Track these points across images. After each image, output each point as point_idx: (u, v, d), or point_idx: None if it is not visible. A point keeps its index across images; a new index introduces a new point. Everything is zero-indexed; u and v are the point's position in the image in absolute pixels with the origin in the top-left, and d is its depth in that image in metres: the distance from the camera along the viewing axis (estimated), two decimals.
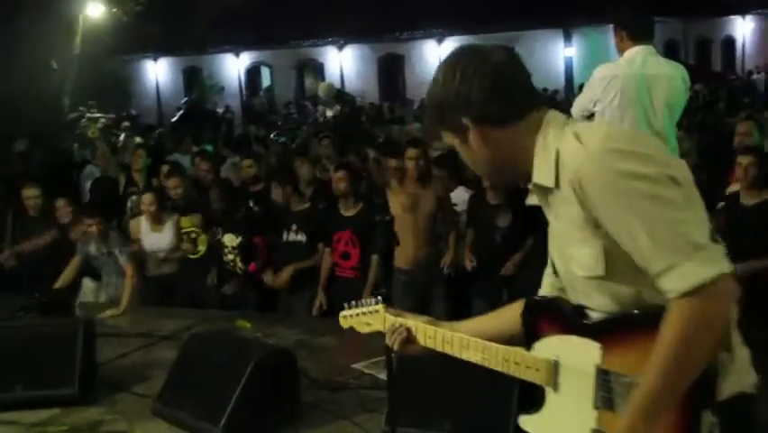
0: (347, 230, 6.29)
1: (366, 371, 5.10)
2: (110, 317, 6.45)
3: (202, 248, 7.09)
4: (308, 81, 33.79)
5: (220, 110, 28.52)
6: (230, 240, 6.88)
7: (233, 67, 34.28)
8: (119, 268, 6.72)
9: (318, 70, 33.47)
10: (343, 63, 32.42)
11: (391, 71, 31.61)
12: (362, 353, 5.45)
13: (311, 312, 6.60)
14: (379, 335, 5.45)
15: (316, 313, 6.51)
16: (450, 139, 2.04)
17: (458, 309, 6.22)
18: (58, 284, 6.68)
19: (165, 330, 6.25)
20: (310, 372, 4.93)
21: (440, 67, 2.06)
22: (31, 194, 7.52)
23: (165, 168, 7.99)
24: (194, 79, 34.05)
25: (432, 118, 2.06)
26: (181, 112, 13.63)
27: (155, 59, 34.67)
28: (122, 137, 13.82)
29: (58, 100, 18.70)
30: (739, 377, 1.84)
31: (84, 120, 14.43)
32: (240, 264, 6.88)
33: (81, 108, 14.88)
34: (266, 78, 34.96)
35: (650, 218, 1.71)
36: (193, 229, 7.07)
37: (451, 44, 30.27)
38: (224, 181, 7.64)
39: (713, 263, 1.70)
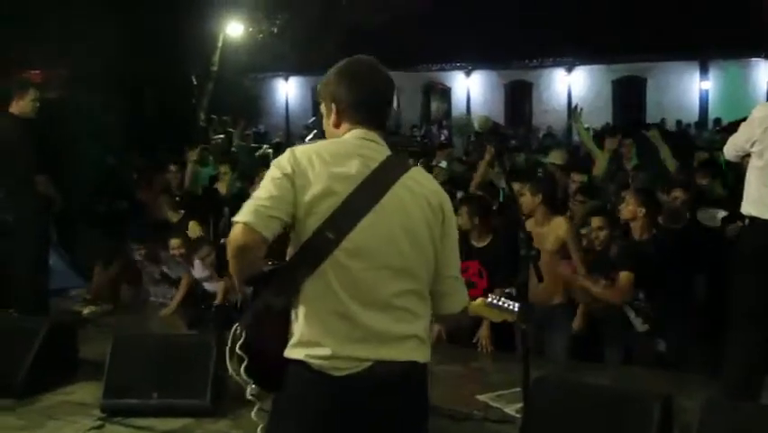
0: (476, 260, 6.19)
1: (492, 403, 5.01)
2: None
3: None
4: (434, 105, 33.92)
5: None
6: None
7: None
8: None
9: (445, 94, 33.59)
10: (471, 88, 32.40)
11: (518, 98, 31.32)
12: (488, 384, 5.38)
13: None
14: (506, 369, 5.37)
15: (433, 341, 6.34)
16: None
17: (585, 350, 6.02)
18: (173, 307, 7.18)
19: None
20: (433, 399, 4.86)
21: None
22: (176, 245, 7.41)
23: None
24: None
25: None
26: (315, 132, 13.91)
27: (286, 78, 35.61)
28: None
29: (194, 115, 19.45)
30: (296, 345, 2.35)
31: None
32: None
33: (215, 117, 15.34)
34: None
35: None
36: None
37: (581, 73, 29.79)
38: None
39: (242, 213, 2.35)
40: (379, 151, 2.52)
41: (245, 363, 2.38)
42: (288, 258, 2.42)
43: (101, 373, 5.11)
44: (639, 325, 5.69)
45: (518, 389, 4.99)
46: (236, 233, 2.33)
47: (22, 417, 4.95)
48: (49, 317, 6.15)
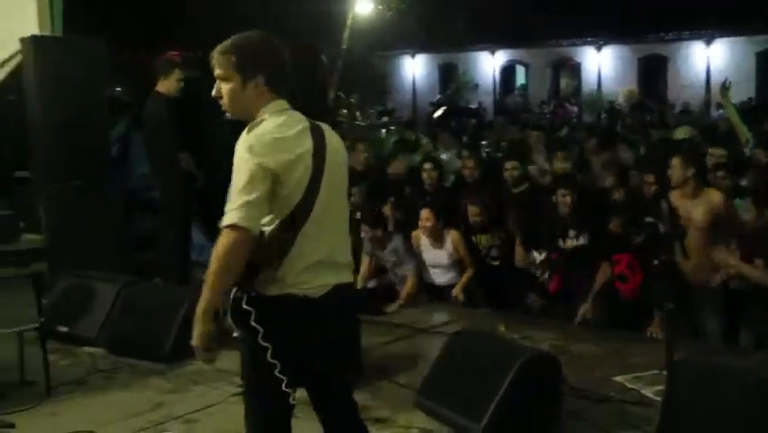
0: (629, 254, 6.09)
1: (629, 385, 4.92)
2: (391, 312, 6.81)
3: None
4: (564, 81, 33.23)
5: (473, 106, 28.80)
6: (538, 256, 6.80)
7: (488, 64, 34.46)
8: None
9: (575, 70, 32.84)
10: (602, 64, 31.54)
11: (652, 73, 30.24)
12: (624, 366, 5.28)
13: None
14: (641, 351, 5.24)
15: (579, 320, 6.32)
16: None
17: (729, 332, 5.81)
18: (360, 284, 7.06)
19: (424, 324, 6.39)
20: (569, 380, 4.79)
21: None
22: None
23: (427, 165, 8.07)
24: (449, 76, 34.61)
25: None
26: (445, 108, 13.91)
27: (413, 56, 35.64)
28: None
29: (323, 93, 19.75)
30: (281, 285, 2.81)
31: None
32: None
33: (345, 96, 15.47)
34: (520, 76, 34.84)
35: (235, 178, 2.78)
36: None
37: (720, 46, 28.53)
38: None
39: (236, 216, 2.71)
40: (298, 116, 2.97)
41: (255, 315, 2.80)
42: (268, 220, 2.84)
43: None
44: None
45: (656, 371, 4.91)
46: (233, 237, 2.71)
47: (171, 381, 5.22)
48: (192, 288, 6.41)
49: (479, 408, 4.14)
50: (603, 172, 7.72)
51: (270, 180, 2.76)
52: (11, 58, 7.33)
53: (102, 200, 7.28)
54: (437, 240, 7.07)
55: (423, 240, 7.13)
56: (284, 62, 2.97)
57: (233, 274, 2.75)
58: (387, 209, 7.50)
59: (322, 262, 2.89)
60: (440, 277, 7.18)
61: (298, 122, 2.93)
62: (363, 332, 5.28)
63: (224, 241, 2.72)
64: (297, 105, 3.02)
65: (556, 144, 9.36)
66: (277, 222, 2.82)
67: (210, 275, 2.74)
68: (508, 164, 7.63)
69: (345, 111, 18.49)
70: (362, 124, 18.69)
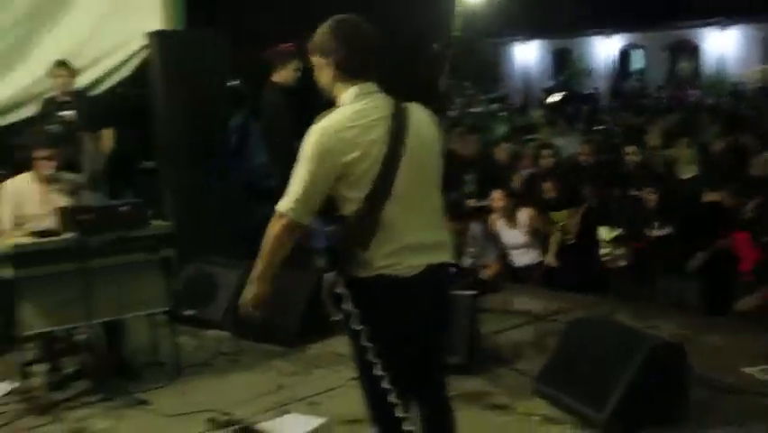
0: (746, 232, 5.89)
1: (760, 377, 4.73)
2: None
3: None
4: (683, 65, 32.14)
5: (588, 92, 28.25)
6: (606, 233, 6.81)
7: (603, 49, 33.68)
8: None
9: (693, 53, 31.71)
10: (724, 45, 30.30)
11: None
12: (754, 356, 5.08)
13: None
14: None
15: (691, 268, 6.27)
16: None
17: None
18: None
19: (539, 311, 6.32)
20: (696, 369, 4.63)
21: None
22: None
23: (546, 151, 8.03)
24: (563, 62, 34.02)
25: None
26: (565, 94, 13.72)
27: (525, 42, 35.18)
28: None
29: (434, 82, 19.68)
30: (371, 268, 2.84)
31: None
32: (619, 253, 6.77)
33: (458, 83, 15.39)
34: (637, 60, 33.89)
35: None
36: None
37: None
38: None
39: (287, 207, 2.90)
40: (382, 100, 2.95)
41: (350, 298, 2.85)
42: (343, 209, 2.89)
43: None
44: None
45: None
46: (281, 224, 2.90)
47: (293, 364, 5.34)
48: (312, 273, 6.48)
49: (601, 396, 4.06)
50: (721, 158, 7.59)
51: (331, 175, 2.83)
52: (135, 54, 7.60)
53: (222, 189, 7.47)
54: (510, 219, 7.13)
55: (499, 222, 7.17)
56: (363, 46, 2.95)
57: (282, 253, 2.96)
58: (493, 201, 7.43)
59: (410, 244, 2.90)
60: (520, 258, 7.22)
61: (379, 107, 2.91)
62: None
63: (274, 225, 2.92)
64: (398, 91, 3.00)
65: (675, 130, 9.20)
66: (355, 207, 2.84)
67: (262, 253, 2.97)
68: (628, 149, 7.53)
69: (460, 99, 18.38)
70: (475, 111, 18.61)
